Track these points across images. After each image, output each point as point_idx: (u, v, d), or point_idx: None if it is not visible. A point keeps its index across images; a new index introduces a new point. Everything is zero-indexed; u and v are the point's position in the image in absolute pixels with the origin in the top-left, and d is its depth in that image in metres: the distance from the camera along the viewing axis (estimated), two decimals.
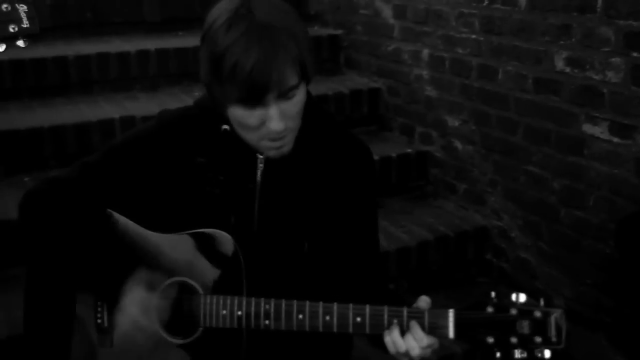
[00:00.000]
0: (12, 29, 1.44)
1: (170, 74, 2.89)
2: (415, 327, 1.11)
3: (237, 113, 1.09)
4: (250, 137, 1.13)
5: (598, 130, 2.01)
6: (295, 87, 1.08)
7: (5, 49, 1.48)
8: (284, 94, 1.07)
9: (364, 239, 1.29)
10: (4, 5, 1.42)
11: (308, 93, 1.16)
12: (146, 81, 2.87)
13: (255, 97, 1.05)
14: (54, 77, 2.69)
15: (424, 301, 1.14)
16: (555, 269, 2.24)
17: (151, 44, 2.91)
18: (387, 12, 2.89)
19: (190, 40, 3.01)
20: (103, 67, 2.76)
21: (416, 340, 1.10)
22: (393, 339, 1.11)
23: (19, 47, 1.48)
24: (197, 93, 2.75)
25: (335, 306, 1.13)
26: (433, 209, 2.64)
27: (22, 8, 1.41)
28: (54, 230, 1.20)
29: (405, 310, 1.12)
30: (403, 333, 1.11)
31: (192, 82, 2.89)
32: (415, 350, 1.10)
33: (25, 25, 1.40)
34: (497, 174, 2.43)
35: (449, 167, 2.66)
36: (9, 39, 1.45)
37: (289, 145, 1.16)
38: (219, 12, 1.08)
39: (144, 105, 2.67)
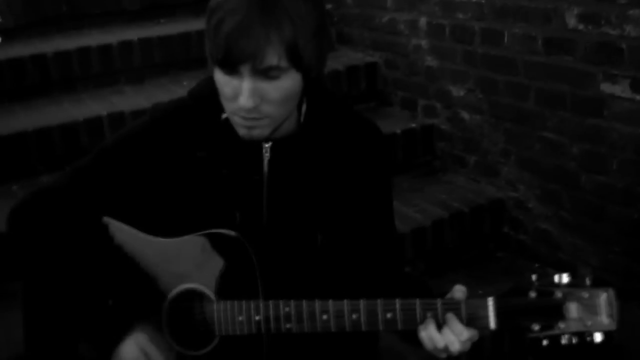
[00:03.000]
0: None
1: (155, 64, 2.82)
2: (452, 319, 1.06)
3: (218, 77, 1.05)
4: (227, 107, 1.08)
5: (618, 89, 1.94)
6: (277, 68, 1.01)
7: None
8: (261, 72, 1.01)
9: (381, 225, 1.24)
10: None
11: (318, 77, 1.10)
12: (131, 73, 2.79)
13: (229, 63, 1.01)
14: (34, 76, 2.60)
15: (459, 291, 1.09)
16: (579, 238, 2.19)
17: (133, 34, 2.82)
18: None
19: (173, 28, 2.92)
20: (85, 62, 2.68)
21: (455, 334, 1.05)
22: (429, 334, 1.06)
23: None
24: (186, 82, 2.66)
25: (362, 303, 1.07)
26: (443, 184, 2.57)
27: None
28: (46, 246, 1.15)
29: (439, 302, 1.07)
30: (439, 327, 1.06)
31: (179, 72, 2.82)
32: (455, 345, 1.05)
33: None
34: (510, 143, 2.36)
35: (456, 140, 2.58)
36: None
37: (264, 131, 1.08)
38: None
39: (132, 99, 2.59)
